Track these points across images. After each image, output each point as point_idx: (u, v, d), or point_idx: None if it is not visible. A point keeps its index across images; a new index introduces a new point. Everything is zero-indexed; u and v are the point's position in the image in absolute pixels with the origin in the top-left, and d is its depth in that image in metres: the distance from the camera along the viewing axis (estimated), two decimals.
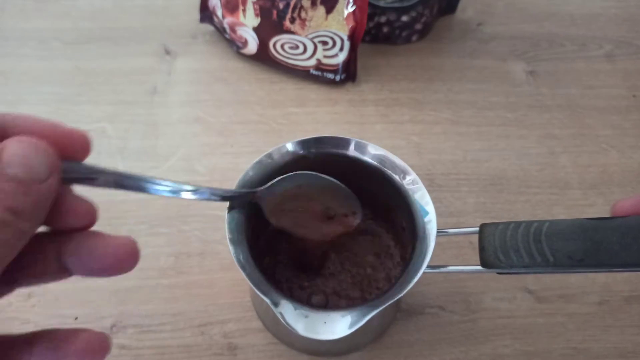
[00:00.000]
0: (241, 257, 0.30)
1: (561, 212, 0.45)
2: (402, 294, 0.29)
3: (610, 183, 0.47)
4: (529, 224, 0.28)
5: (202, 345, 0.38)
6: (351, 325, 0.28)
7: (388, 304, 0.28)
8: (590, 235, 0.26)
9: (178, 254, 0.42)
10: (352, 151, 0.35)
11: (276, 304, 0.28)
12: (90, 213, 0.21)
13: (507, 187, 0.47)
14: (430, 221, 0.32)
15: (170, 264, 0.41)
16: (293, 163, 0.34)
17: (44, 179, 0.19)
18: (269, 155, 0.34)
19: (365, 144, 0.35)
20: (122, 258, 0.21)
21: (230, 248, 0.30)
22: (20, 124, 0.20)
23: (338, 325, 0.28)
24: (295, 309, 0.28)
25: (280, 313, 0.28)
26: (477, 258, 0.29)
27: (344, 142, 0.35)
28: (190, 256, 0.41)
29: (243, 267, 0.29)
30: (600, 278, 0.42)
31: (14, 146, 0.18)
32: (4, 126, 0.20)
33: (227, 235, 0.30)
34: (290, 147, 0.34)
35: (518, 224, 0.28)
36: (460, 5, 0.59)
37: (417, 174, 0.33)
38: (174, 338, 0.38)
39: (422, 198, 0.33)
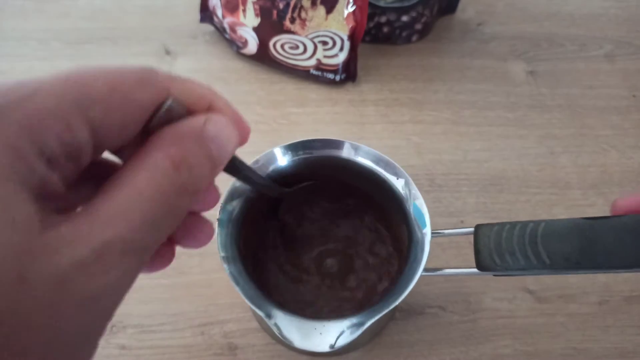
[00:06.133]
0: (234, 270, 0.30)
1: (561, 212, 0.45)
2: (397, 302, 0.29)
3: (610, 183, 0.47)
4: (524, 224, 0.28)
5: (202, 345, 0.38)
6: (347, 336, 0.27)
7: (384, 313, 0.28)
8: (586, 235, 0.26)
9: (178, 254, 0.41)
10: (345, 153, 0.34)
11: (270, 316, 0.28)
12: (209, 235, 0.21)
13: (507, 187, 0.47)
14: (425, 225, 0.31)
15: (171, 264, 0.41)
16: (283, 167, 0.34)
17: (223, 165, 0.18)
18: (256, 162, 0.33)
19: (358, 145, 0.34)
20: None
21: (224, 266, 0.30)
22: (214, 101, 0.19)
23: (334, 336, 0.27)
24: (291, 320, 0.28)
25: (275, 324, 0.28)
26: None
27: (337, 144, 0.34)
28: (190, 256, 0.41)
29: (236, 282, 0.29)
30: (600, 278, 0.42)
31: (220, 123, 0.18)
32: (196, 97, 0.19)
33: (219, 252, 0.30)
34: (278, 152, 0.34)
35: (513, 224, 0.28)
36: (460, 5, 0.59)
37: (417, 174, 0.33)
38: (174, 338, 0.38)
39: (416, 199, 0.32)
